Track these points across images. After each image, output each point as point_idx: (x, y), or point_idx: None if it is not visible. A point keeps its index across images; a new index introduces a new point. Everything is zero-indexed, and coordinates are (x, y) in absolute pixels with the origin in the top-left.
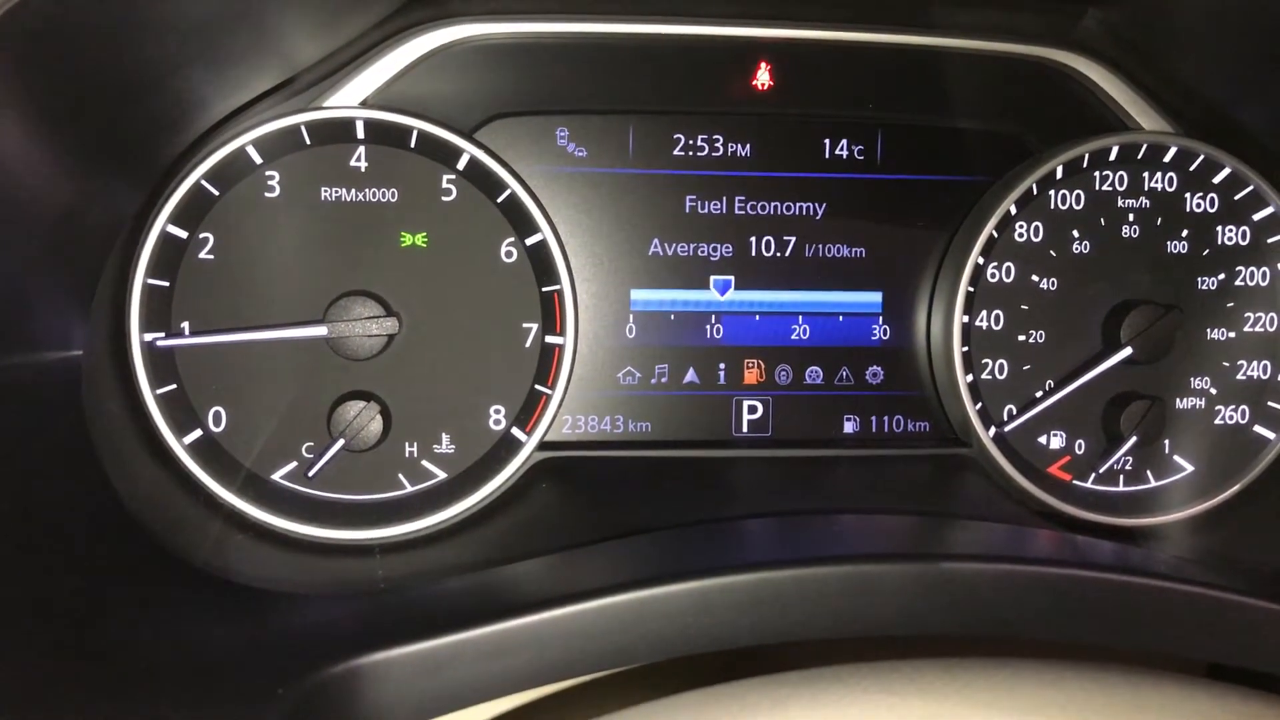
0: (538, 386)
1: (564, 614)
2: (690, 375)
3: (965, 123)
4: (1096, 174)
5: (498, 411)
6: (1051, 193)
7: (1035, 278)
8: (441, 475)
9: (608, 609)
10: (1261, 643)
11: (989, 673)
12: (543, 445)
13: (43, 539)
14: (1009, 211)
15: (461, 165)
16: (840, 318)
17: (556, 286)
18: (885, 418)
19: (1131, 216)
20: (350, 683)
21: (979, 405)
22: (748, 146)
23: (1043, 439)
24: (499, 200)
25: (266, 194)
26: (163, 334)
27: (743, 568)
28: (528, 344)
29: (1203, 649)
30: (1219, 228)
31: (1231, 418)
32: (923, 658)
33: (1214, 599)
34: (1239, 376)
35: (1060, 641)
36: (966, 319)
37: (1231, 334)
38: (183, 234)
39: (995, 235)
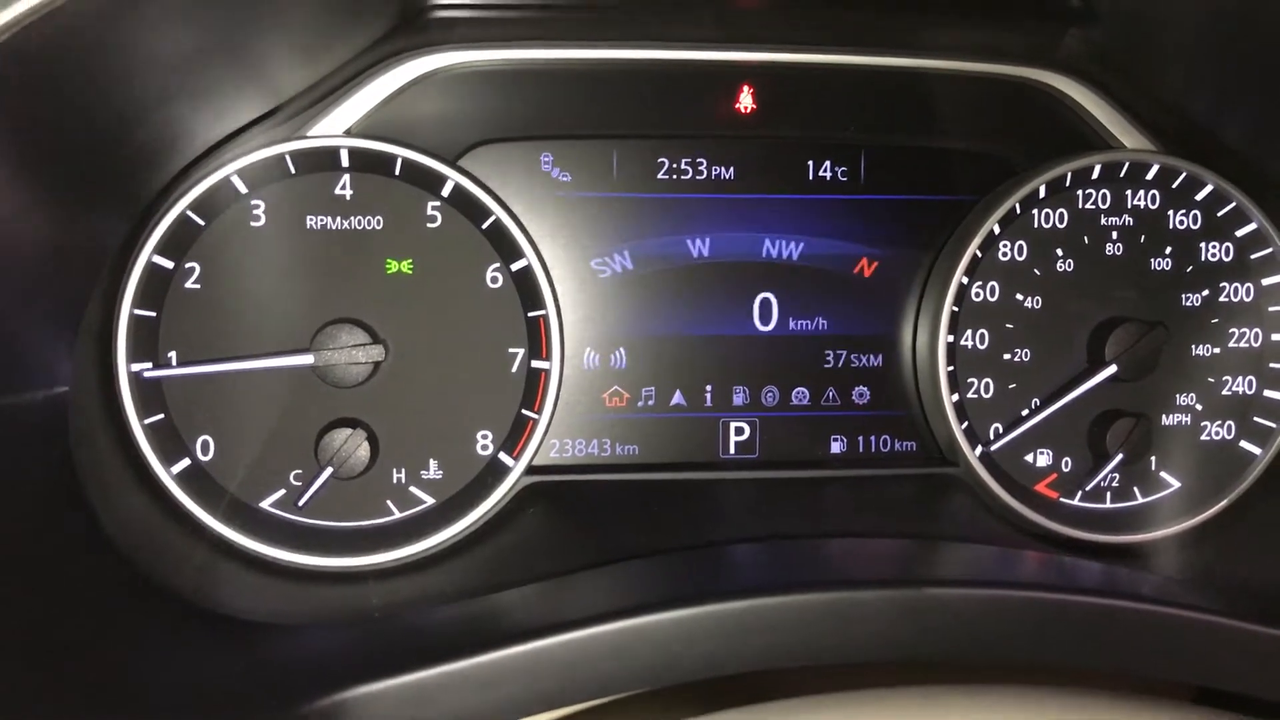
0: (524, 411)
1: (553, 643)
2: (677, 398)
3: (948, 143)
4: (1079, 192)
5: (485, 436)
6: (1035, 212)
7: (1019, 296)
8: (429, 501)
9: (596, 639)
10: (1248, 666)
11: (976, 698)
12: (530, 470)
13: (27, 571)
14: (992, 231)
15: (446, 192)
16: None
17: (542, 311)
18: (872, 438)
19: (1115, 234)
20: (338, 715)
21: (965, 424)
22: (731, 169)
23: (1029, 457)
24: (484, 226)
25: (252, 223)
26: (150, 364)
27: (731, 595)
28: (514, 369)
29: (1190, 672)
30: (1202, 244)
31: (1217, 433)
32: (908, 684)
33: (1201, 622)
34: (1224, 392)
35: (1047, 665)
36: (951, 338)
37: (1216, 350)
38: (168, 264)
39: (979, 254)
